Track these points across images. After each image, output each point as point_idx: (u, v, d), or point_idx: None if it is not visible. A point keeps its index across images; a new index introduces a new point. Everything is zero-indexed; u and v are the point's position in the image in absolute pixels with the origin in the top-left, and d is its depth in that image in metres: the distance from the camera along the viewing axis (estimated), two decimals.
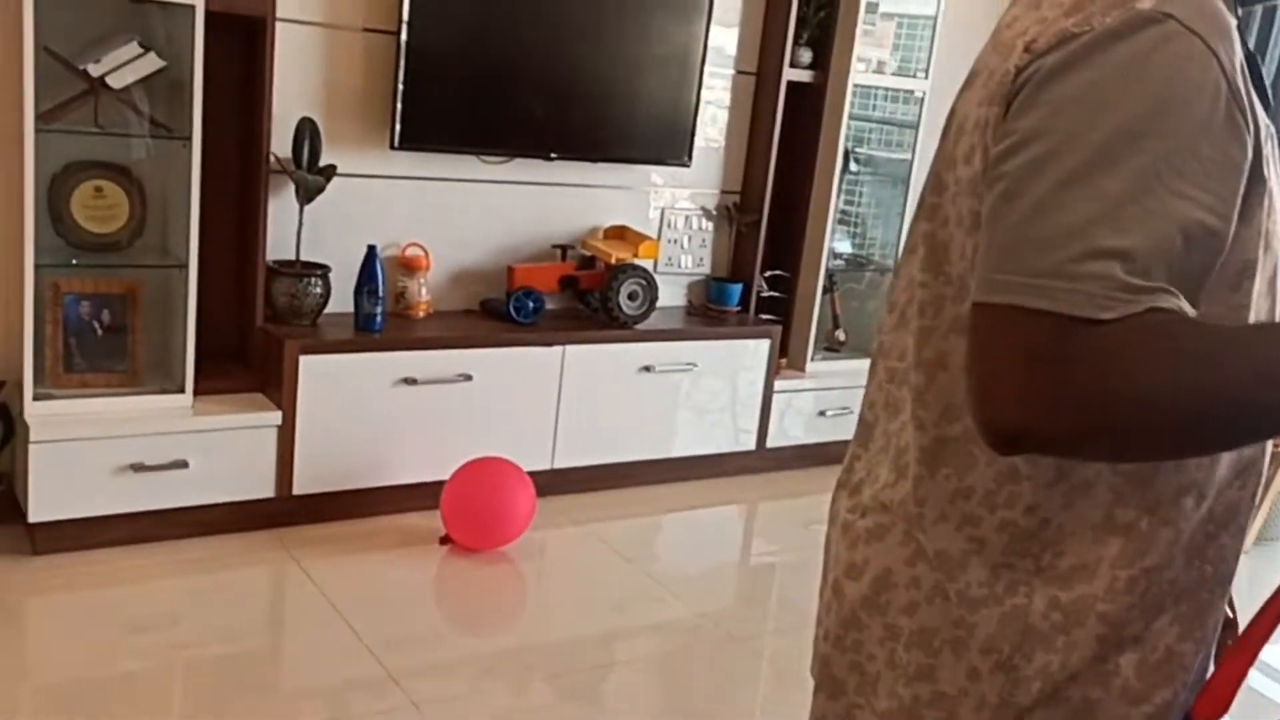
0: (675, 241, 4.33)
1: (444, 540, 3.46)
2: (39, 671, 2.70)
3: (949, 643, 1.05)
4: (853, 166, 4.49)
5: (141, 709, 2.52)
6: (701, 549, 3.80)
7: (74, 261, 3.15)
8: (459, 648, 3.03)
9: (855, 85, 4.26)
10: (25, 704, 2.53)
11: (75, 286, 3.17)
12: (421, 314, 3.74)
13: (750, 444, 4.33)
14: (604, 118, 3.94)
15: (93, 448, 3.09)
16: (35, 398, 3.05)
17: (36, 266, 3.00)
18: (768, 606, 3.48)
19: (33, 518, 3.05)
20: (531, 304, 3.80)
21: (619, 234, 4.10)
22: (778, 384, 4.31)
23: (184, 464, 3.20)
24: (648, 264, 4.02)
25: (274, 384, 3.38)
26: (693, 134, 4.08)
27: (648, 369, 3.98)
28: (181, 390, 3.26)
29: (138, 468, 3.14)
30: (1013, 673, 1.04)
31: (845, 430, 4.47)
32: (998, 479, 1.02)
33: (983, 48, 1.05)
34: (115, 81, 3.05)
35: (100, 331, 3.22)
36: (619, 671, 2.96)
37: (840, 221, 4.50)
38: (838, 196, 4.37)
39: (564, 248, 4.01)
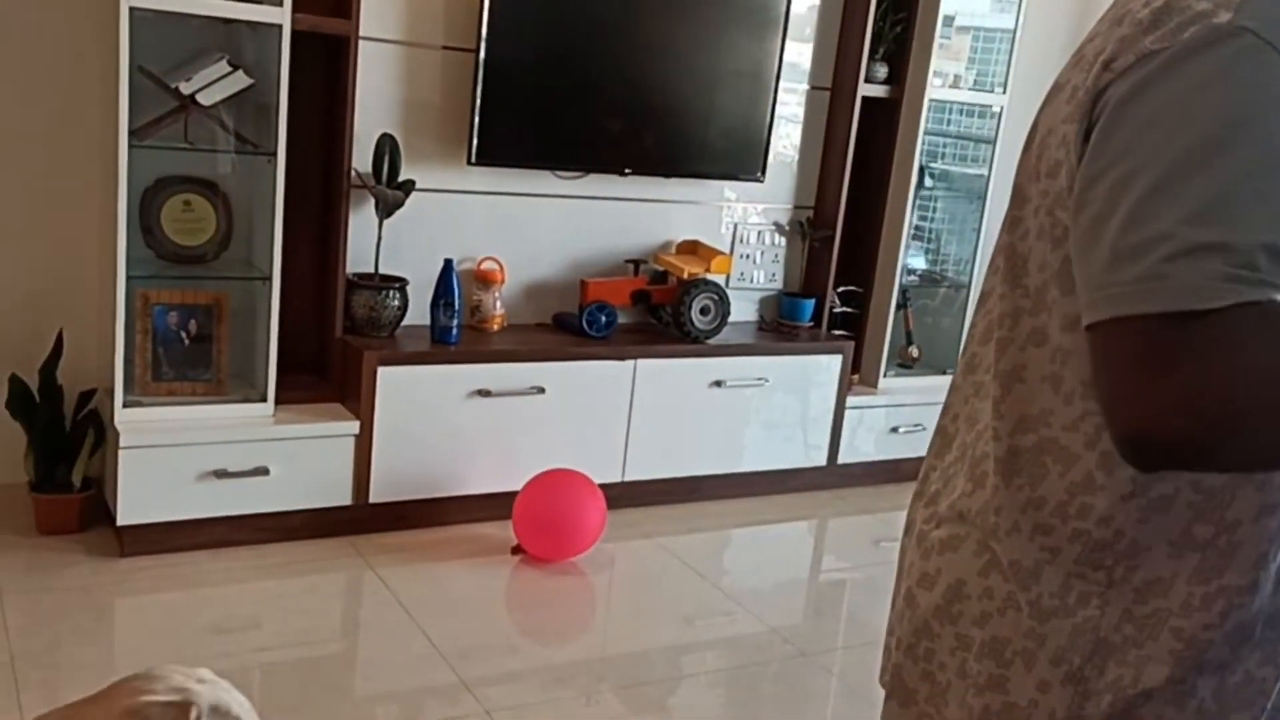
0: (748, 256, 4.35)
1: (515, 550, 3.52)
2: (127, 671, 2.79)
3: (1020, 654, 1.07)
4: (927, 182, 4.48)
5: None
6: (771, 564, 3.81)
7: (163, 273, 3.27)
8: (530, 656, 3.08)
9: (931, 100, 4.26)
10: None
11: (164, 298, 3.29)
12: (496, 327, 3.81)
13: (821, 460, 4.33)
14: (678, 134, 3.99)
15: (178, 454, 3.19)
16: (125, 405, 3.17)
17: (128, 278, 3.12)
18: (838, 623, 3.48)
19: (121, 521, 3.17)
20: (604, 318, 3.86)
21: (691, 249, 4.14)
22: (850, 400, 4.31)
23: (265, 471, 3.30)
24: (720, 279, 4.05)
25: (352, 394, 3.46)
26: (766, 149, 4.11)
27: (719, 384, 4.01)
28: (263, 399, 3.36)
29: (220, 474, 3.24)
30: (1083, 685, 1.04)
31: (918, 447, 4.45)
32: (1070, 490, 1.03)
33: (1067, 61, 1.07)
34: (205, 99, 3.17)
35: (187, 341, 3.34)
36: (688, 684, 2.98)
37: (914, 237, 4.49)
38: (912, 212, 4.37)
39: (636, 262, 4.06)
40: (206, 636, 2.91)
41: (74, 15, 3.23)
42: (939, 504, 1.17)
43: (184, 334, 3.33)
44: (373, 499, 3.49)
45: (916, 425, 4.46)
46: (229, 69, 3.18)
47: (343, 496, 3.45)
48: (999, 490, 1.08)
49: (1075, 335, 1.01)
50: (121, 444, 3.12)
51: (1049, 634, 1.05)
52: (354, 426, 3.42)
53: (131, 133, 3.04)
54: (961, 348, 1.22)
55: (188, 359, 3.34)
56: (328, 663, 2.89)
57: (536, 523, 3.46)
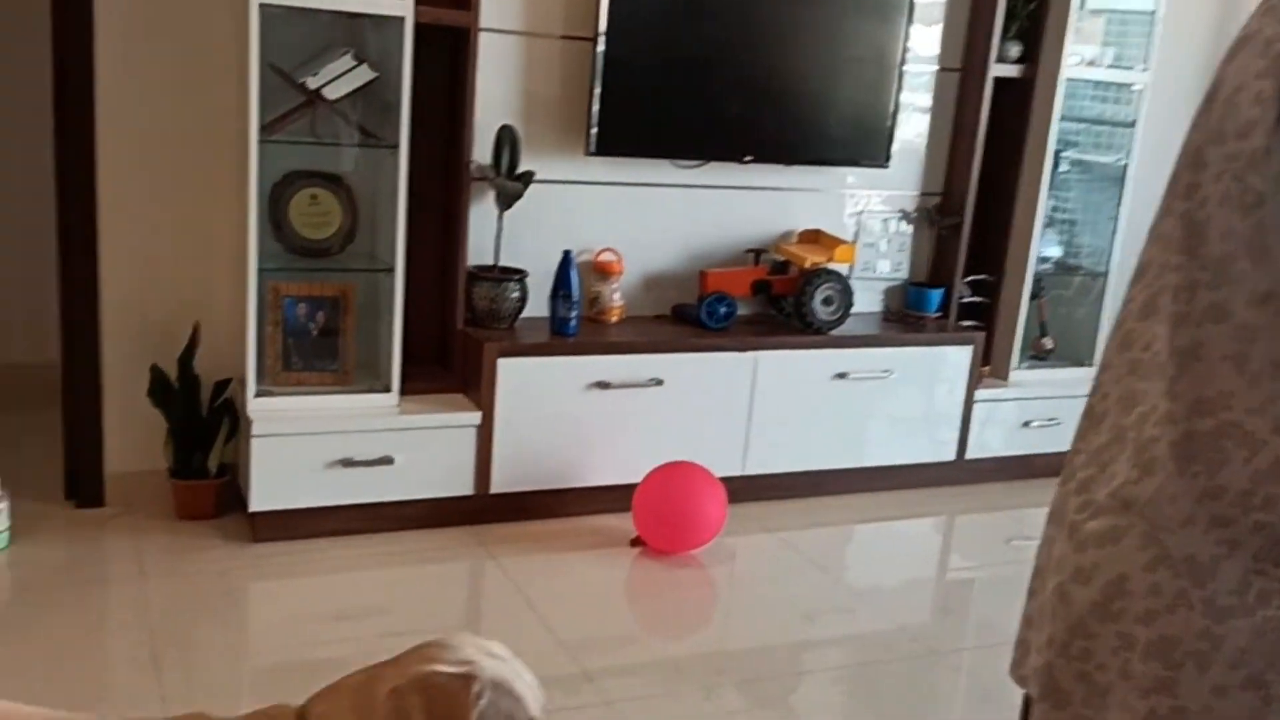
0: (872, 245, 4.27)
1: (635, 542, 3.52)
2: (258, 653, 2.89)
3: (1192, 655, 1.00)
4: (1062, 166, 4.32)
5: None
6: (896, 561, 3.73)
7: (291, 266, 3.36)
8: (650, 649, 3.07)
9: (1067, 79, 4.11)
10: (246, 683, 2.72)
11: (293, 290, 3.38)
12: (614, 319, 3.82)
13: (949, 455, 4.22)
14: (800, 120, 3.93)
15: (307, 442, 3.28)
16: (257, 394, 3.27)
17: (259, 271, 3.22)
18: (966, 622, 3.39)
19: (254, 507, 3.27)
20: (723, 309, 3.82)
21: (813, 238, 4.07)
22: (979, 393, 4.19)
23: (389, 460, 3.36)
24: (843, 268, 3.98)
25: (474, 385, 3.51)
26: (891, 134, 4.02)
27: (842, 376, 3.94)
28: (388, 390, 3.43)
29: (348, 463, 3.32)
30: (1264, 690, 0.98)
31: (1051, 442, 4.30)
32: (1254, 478, 0.96)
33: (1256, 9, 0.99)
34: (331, 93, 3.25)
35: (315, 332, 3.43)
36: (810, 681, 2.94)
37: (1048, 224, 4.34)
38: (1047, 197, 4.22)
39: (757, 252, 4.02)
40: (334, 621, 2.98)
41: (205, 13, 3.34)
42: (1093, 491, 1.11)
43: (312, 325, 3.42)
44: (494, 489, 3.53)
45: (1051, 419, 4.32)
46: (353, 63, 3.25)
47: (465, 486, 3.50)
48: (1172, 478, 1.01)
49: (1266, 311, 0.94)
50: (254, 432, 3.22)
51: (1227, 635, 0.98)
52: (475, 417, 3.47)
53: (261, 128, 3.13)
54: (1115, 323, 1.15)
55: (316, 350, 3.43)
56: None
57: (656, 515, 3.46)
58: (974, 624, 3.37)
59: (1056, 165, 4.25)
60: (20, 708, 1.34)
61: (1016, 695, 1.33)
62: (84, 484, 3.46)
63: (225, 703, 2.56)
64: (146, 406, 3.39)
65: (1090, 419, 1.16)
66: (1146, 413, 1.06)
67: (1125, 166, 4.31)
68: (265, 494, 3.27)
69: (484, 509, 3.55)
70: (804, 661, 3.03)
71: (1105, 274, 4.43)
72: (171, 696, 2.52)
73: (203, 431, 3.41)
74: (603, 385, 3.59)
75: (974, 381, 4.18)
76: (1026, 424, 4.32)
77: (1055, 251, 4.46)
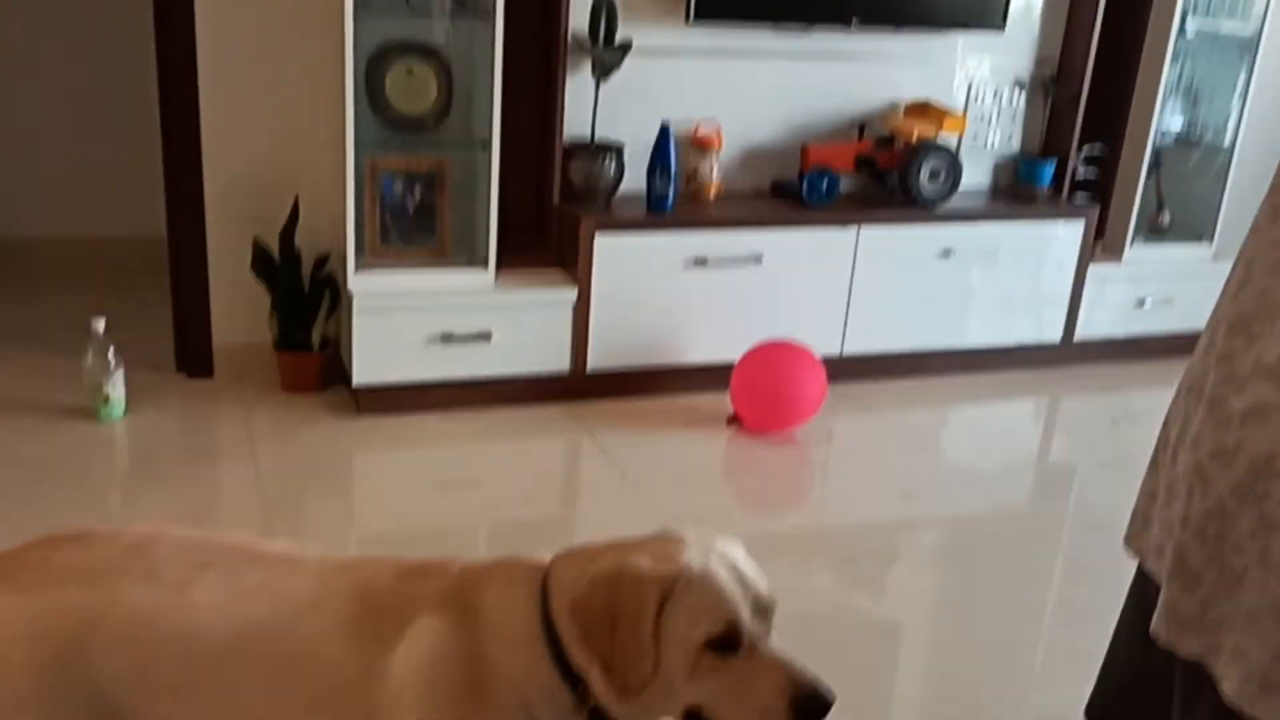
0: (982, 117, 4.11)
1: (732, 421, 3.52)
2: (363, 522, 2.98)
3: None
4: (1188, 32, 4.07)
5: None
6: (997, 443, 3.68)
7: (388, 141, 3.36)
8: (746, 526, 3.10)
9: None
10: (352, 550, 2.81)
11: (390, 164, 3.39)
12: (712, 194, 3.76)
13: (1055, 336, 4.12)
14: None
15: (407, 318, 3.33)
16: (357, 269, 3.31)
17: (356, 145, 3.22)
18: (1066, 506, 3.34)
19: (357, 381, 3.35)
20: (825, 184, 3.73)
21: (921, 110, 3.93)
22: (1091, 271, 4.06)
23: (487, 336, 3.40)
24: (951, 141, 3.84)
25: (570, 261, 3.50)
26: None
27: (947, 253, 3.84)
28: (484, 265, 3.44)
29: (446, 338, 3.36)
30: None
31: (1164, 323, 4.17)
32: None
33: None
34: None
35: (412, 208, 3.44)
36: (905, 561, 2.94)
37: (1169, 95, 4.11)
38: (1170, 66, 3.99)
39: (861, 125, 3.89)
40: (435, 494, 3.06)
41: None
42: (1237, 364, 1.06)
43: (409, 200, 3.43)
44: (591, 367, 3.55)
45: (1165, 299, 4.17)
46: None
47: (561, 364, 3.53)
48: None
49: None
50: (355, 307, 3.27)
51: None
52: (572, 294, 3.47)
53: (356, 3, 3.10)
54: (1270, 189, 1.08)
55: (413, 225, 3.45)
56: (548, 524, 2.99)
57: (754, 394, 3.45)
58: (1074, 507, 3.33)
59: (1181, 32, 4.01)
60: (258, 542, 1.38)
61: (1116, 577, 1.31)
62: (193, 355, 3.57)
63: None
64: (250, 280, 3.46)
65: (1238, 286, 1.10)
66: None
67: (1257, 35, 4.05)
68: (367, 368, 3.34)
69: (581, 387, 3.58)
70: (899, 541, 3.03)
71: (1229, 149, 4.21)
72: None
73: (305, 306, 3.48)
74: (700, 262, 3.56)
75: (1085, 259, 4.04)
76: (1140, 303, 4.18)
77: (1175, 124, 4.24)
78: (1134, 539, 1.25)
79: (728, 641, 1.26)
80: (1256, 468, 1.01)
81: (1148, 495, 1.24)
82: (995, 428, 3.82)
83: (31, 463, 3.03)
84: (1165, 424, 1.22)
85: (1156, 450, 1.23)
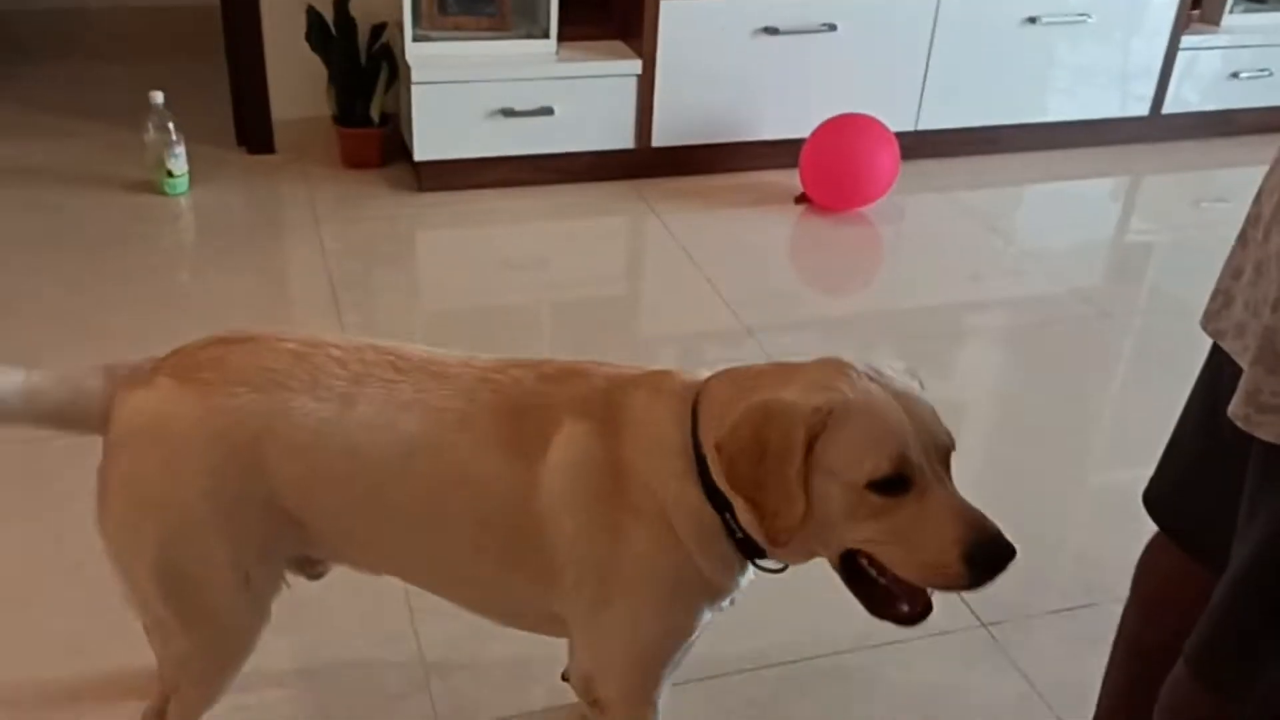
0: None
1: (800, 199, 3.45)
2: (429, 298, 3.01)
3: None
4: None
5: (517, 338, 2.77)
6: (1073, 223, 3.58)
7: None
8: (811, 305, 3.08)
9: None
10: (419, 326, 2.85)
11: None
12: None
13: (1143, 109, 3.93)
14: None
15: (467, 90, 3.25)
16: (414, 39, 3.22)
17: None
18: (1140, 286, 3.28)
19: (418, 156, 3.31)
20: None
21: None
22: (1185, 40, 3.83)
23: (549, 110, 3.31)
24: None
25: (634, 32, 3.37)
26: None
27: (1032, 20, 3.63)
28: (546, 35, 3.32)
29: (508, 112, 3.29)
30: None
31: (1259, 95, 3.97)
32: None
33: None
34: None
35: None
36: (972, 341, 2.92)
37: None
38: None
39: None
40: (499, 271, 3.07)
41: None
42: None
43: None
44: (655, 143, 3.47)
45: (1262, 70, 3.94)
46: None
47: (625, 139, 3.45)
48: None
49: None
50: (414, 79, 3.19)
51: None
52: (636, 66, 3.35)
53: None
54: None
55: None
56: (613, 303, 3.00)
57: (824, 171, 3.36)
58: (1149, 287, 3.26)
59: None
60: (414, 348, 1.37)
61: (1187, 360, 1.28)
62: (253, 131, 3.54)
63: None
64: (307, 52, 3.38)
65: None
66: None
67: None
68: (428, 143, 3.29)
69: (645, 163, 3.51)
70: (966, 322, 3.00)
71: None
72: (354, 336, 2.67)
73: (363, 78, 3.40)
74: (771, 31, 3.40)
75: (1180, 27, 3.81)
76: (1234, 75, 3.96)
77: None
78: (1213, 318, 1.22)
79: (894, 482, 1.14)
80: None
81: (1233, 272, 1.20)
82: (1072, 207, 3.71)
83: (99, 236, 3.06)
84: (1259, 198, 1.16)
85: (1246, 225, 1.18)
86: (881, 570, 1.19)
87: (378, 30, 3.39)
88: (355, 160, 3.49)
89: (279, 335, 1.34)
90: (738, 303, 2.95)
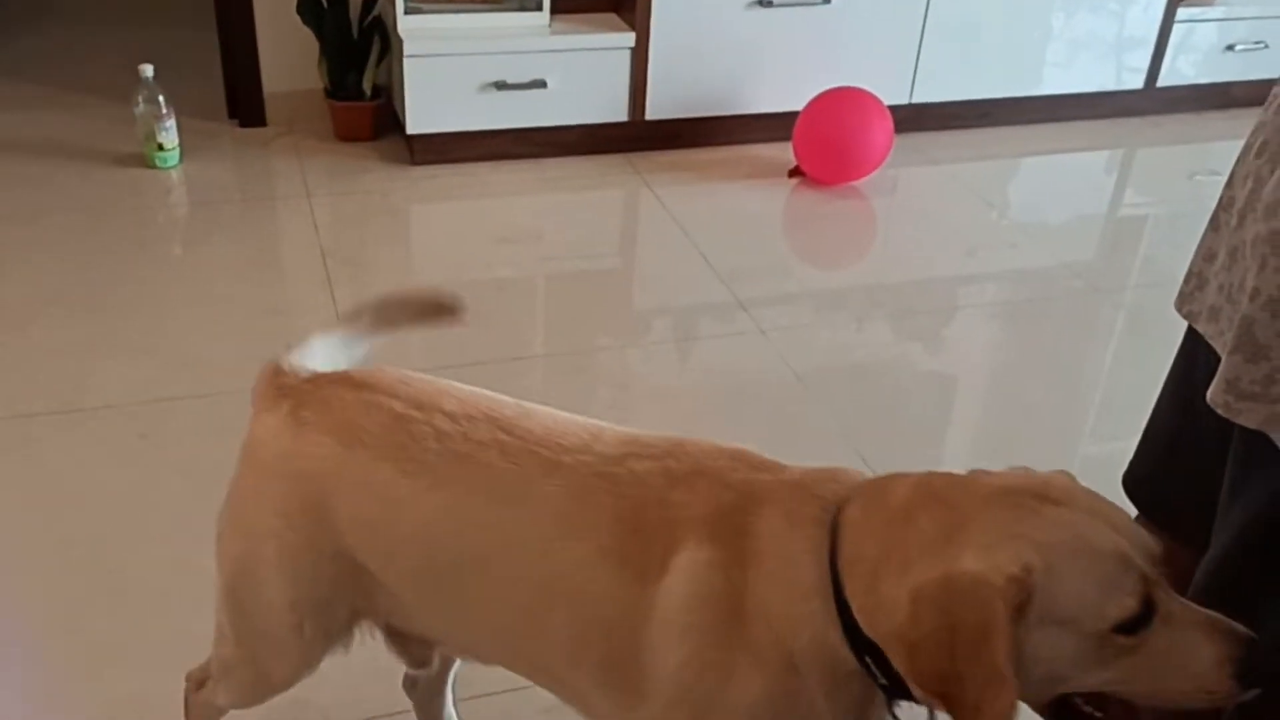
0: None
1: (794, 172, 3.44)
2: (422, 271, 3.01)
3: None
4: None
5: (512, 311, 2.77)
6: (1067, 196, 3.58)
7: None
8: (805, 279, 3.08)
9: None
10: None
11: None
12: None
13: (1137, 82, 3.92)
14: None
15: (459, 63, 3.23)
16: (406, 11, 3.20)
17: None
18: (1134, 259, 3.28)
19: (410, 129, 3.29)
20: None
21: None
22: (1180, 12, 3.81)
23: (542, 84, 3.30)
24: None
25: (628, 5, 3.35)
26: None
27: None
28: (539, 8, 3.30)
29: (501, 85, 3.27)
30: None
31: (1256, 68, 3.96)
32: None
33: None
34: None
35: None
36: (965, 315, 2.92)
37: None
38: None
39: None
40: (493, 244, 3.06)
41: None
42: None
43: None
44: (649, 116, 3.45)
45: (1258, 43, 3.93)
46: None
47: (619, 113, 3.43)
48: None
49: None
50: (406, 52, 3.18)
51: None
52: (630, 39, 3.33)
53: None
54: None
55: None
56: (607, 276, 3.00)
57: (818, 144, 3.35)
58: (1141, 261, 3.26)
59: None
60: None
61: (1178, 336, 1.28)
62: (245, 103, 3.52)
63: None
64: (299, 24, 3.36)
65: None
66: None
67: None
68: (421, 116, 3.27)
69: (639, 136, 3.49)
70: (960, 295, 3.00)
71: None
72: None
73: (355, 51, 3.38)
74: (765, 3, 3.38)
75: None
76: (1230, 47, 3.95)
77: None
78: (1186, 300, 1.22)
79: (1141, 617, 0.95)
80: None
81: (1205, 254, 1.20)
82: (1066, 180, 3.70)
83: (90, 208, 3.05)
84: (1230, 182, 1.16)
85: (1219, 209, 1.18)
86: (1101, 703, 1.02)
87: (370, 3, 3.36)
88: (347, 133, 3.47)
89: (397, 386, 1.23)
90: (730, 276, 2.95)
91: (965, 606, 0.92)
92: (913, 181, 3.54)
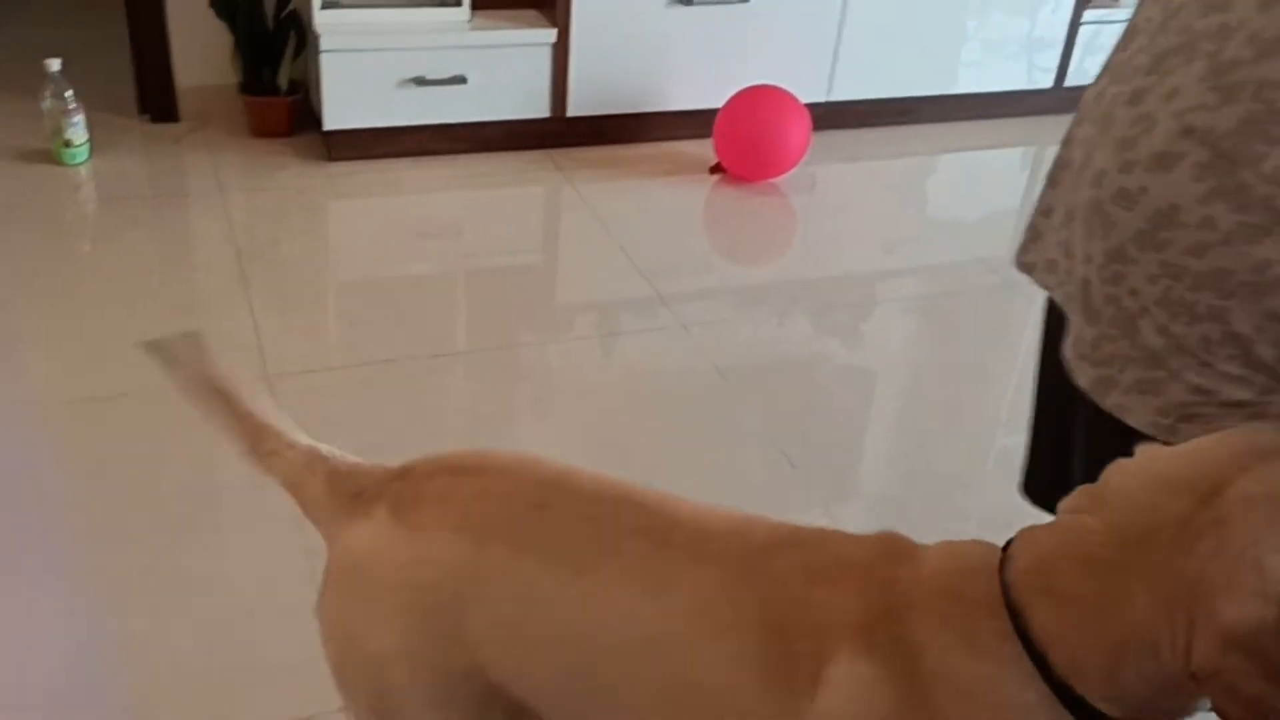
0: None
1: (715, 169, 3.45)
2: (340, 269, 2.95)
3: (1247, 285, 0.96)
4: None
5: (430, 308, 2.73)
6: (981, 192, 3.63)
7: None
8: (725, 275, 3.09)
9: None
10: (332, 297, 2.79)
11: None
12: None
13: (1047, 82, 4.00)
14: None
15: (378, 59, 3.18)
16: (323, 6, 3.14)
17: None
18: None
19: (327, 125, 3.23)
20: None
21: None
22: (1086, 14, 3.90)
23: (462, 79, 3.26)
24: None
25: (549, 1, 3.33)
26: None
27: None
28: (459, 3, 3.26)
29: (420, 81, 3.23)
30: None
31: None
32: None
33: None
34: None
35: None
36: (884, 310, 2.95)
37: None
38: None
39: None
40: (412, 240, 3.02)
41: None
42: (1148, 104, 1.01)
43: None
44: (570, 112, 3.44)
45: None
46: None
47: (540, 109, 3.41)
48: (1260, 110, 0.92)
49: None
50: (322, 47, 3.12)
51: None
52: (551, 35, 3.31)
53: None
54: None
55: None
56: (528, 272, 2.97)
57: (738, 141, 3.36)
58: None
59: None
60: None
61: None
62: (156, 98, 3.43)
63: (312, 315, 2.65)
64: (211, 17, 3.28)
65: (1156, 9, 1.04)
66: (1233, 26, 0.95)
67: None
68: (338, 112, 3.21)
69: (560, 132, 3.47)
70: (878, 290, 3.03)
71: None
72: (262, 308, 2.61)
73: (270, 44, 3.31)
74: (685, 1, 3.39)
75: (1082, 2, 3.87)
76: None
77: None
78: (1024, 252, 1.25)
79: None
80: (1160, 216, 0.99)
81: (1043, 209, 1.23)
82: (980, 177, 3.76)
83: None
84: (1068, 143, 1.18)
85: (1055, 168, 1.21)
86: None
87: None
88: (262, 129, 3.40)
89: (517, 469, 1.10)
90: (652, 271, 2.94)
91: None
92: (831, 178, 3.56)
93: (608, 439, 2.34)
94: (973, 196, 3.59)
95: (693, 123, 3.54)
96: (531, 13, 3.38)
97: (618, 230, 3.12)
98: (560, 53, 3.34)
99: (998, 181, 3.75)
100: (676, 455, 2.28)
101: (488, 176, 3.34)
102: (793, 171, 3.43)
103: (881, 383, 2.65)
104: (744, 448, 2.34)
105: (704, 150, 3.48)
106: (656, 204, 3.31)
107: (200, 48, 3.38)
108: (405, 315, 2.68)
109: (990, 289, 3.04)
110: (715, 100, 3.40)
